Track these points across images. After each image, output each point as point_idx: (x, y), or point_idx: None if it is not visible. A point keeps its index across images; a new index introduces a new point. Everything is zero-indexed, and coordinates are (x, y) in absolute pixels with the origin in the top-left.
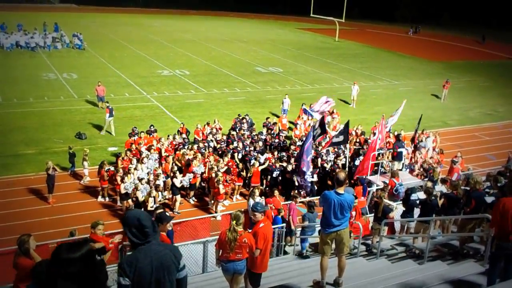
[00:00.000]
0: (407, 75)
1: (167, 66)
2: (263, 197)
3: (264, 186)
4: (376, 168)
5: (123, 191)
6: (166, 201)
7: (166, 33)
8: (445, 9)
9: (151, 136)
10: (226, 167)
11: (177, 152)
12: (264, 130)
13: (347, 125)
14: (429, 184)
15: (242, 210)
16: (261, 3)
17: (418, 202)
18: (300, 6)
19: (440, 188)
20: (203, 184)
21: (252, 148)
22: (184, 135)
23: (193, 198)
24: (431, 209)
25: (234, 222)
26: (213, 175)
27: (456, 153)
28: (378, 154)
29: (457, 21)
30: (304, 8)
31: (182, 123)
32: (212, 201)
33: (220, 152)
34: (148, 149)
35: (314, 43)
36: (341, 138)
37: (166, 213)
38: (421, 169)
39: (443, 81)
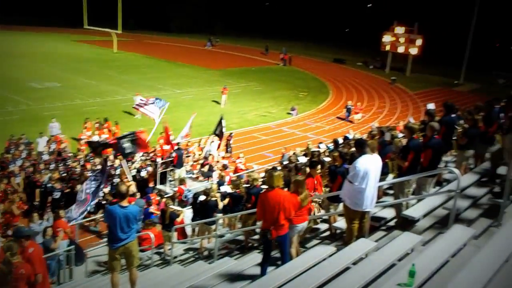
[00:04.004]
0: (188, 83)
1: None
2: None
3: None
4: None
5: None
6: None
7: None
8: (218, 19)
9: None
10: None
11: None
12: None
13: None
14: (214, 186)
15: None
16: (30, 14)
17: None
18: (75, 18)
19: (224, 188)
20: None
21: (32, 170)
22: None
23: None
24: (210, 209)
25: (8, 253)
26: None
27: (239, 154)
28: (164, 164)
29: (230, 30)
30: (79, 19)
31: None
32: None
33: None
34: None
35: (92, 55)
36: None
37: None
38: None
39: (221, 88)
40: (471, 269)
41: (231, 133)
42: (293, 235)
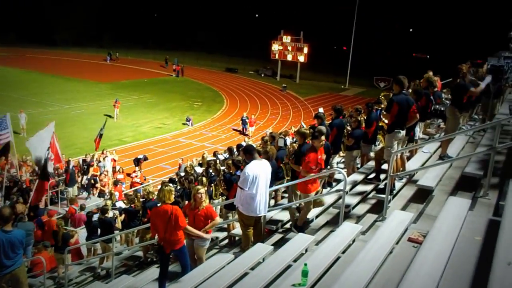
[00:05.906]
0: (76, 98)
1: None
2: None
3: None
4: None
5: None
6: None
7: None
8: (106, 31)
9: None
10: None
11: None
12: None
13: None
14: (108, 202)
15: None
16: None
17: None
18: None
19: (120, 204)
20: None
21: None
22: None
23: None
24: (108, 226)
25: None
26: None
27: (135, 168)
28: (57, 182)
29: (119, 42)
30: None
31: None
32: None
33: None
34: None
35: None
36: None
37: None
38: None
39: (113, 101)
40: (359, 263)
41: (146, 158)
42: (205, 245)
